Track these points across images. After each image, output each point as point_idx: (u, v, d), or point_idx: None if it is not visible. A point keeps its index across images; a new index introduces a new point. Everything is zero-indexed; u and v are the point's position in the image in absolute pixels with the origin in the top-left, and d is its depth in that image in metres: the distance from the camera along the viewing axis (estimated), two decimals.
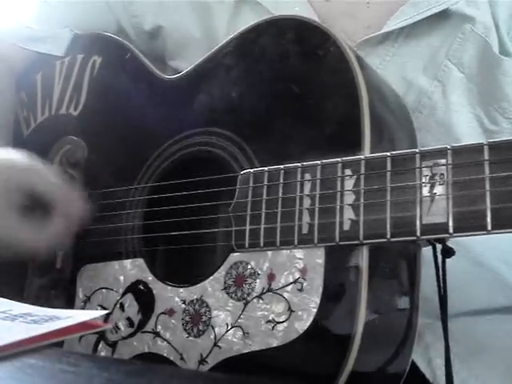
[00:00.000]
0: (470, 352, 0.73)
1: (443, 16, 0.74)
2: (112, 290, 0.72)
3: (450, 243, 0.59)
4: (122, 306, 0.70)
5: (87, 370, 0.45)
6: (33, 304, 0.56)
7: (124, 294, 0.71)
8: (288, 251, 0.60)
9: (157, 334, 0.66)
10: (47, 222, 0.70)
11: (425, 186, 0.53)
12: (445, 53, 0.74)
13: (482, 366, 0.73)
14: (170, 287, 0.67)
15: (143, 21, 0.86)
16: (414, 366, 0.71)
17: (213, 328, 0.62)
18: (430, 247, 0.61)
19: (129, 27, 0.87)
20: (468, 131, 0.75)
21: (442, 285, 0.61)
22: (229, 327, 0.61)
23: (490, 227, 0.50)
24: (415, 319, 0.63)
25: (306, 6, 0.77)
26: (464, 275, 0.71)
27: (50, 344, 0.47)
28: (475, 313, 0.75)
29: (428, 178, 0.53)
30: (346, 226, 0.56)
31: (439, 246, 0.60)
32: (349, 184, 0.57)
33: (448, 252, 0.60)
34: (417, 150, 0.55)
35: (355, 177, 0.57)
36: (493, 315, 0.76)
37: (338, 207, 0.57)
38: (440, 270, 0.61)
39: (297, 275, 0.59)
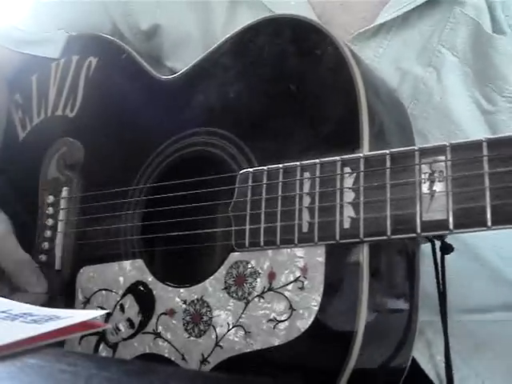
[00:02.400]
0: (470, 349, 0.73)
1: (433, 2, 0.74)
2: (112, 291, 0.72)
3: (450, 239, 0.60)
4: (122, 307, 0.70)
5: (86, 369, 0.45)
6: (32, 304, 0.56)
7: (124, 295, 0.70)
8: (288, 250, 0.60)
9: (158, 335, 0.66)
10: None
11: (424, 182, 0.54)
12: (437, 38, 0.74)
13: (483, 364, 0.73)
14: (170, 287, 0.67)
15: (139, 20, 0.86)
16: (415, 363, 0.71)
17: (214, 328, 0.62)
18: (429, 244, 0.61)
19: (125, 27, 0.87)
20: (466, 114, 0.75)
21: (441, 281, 0.62)
22: (230, 327, 0.61)
23: (489, 223, 0.50)
24: (415, 315, 0.63)
25: (302, 0, 0.77)
26: (464, 273, 0.71)
27: (50, 344, 0.47)
28: (476, 310, 0.75)
29: (427, 174, 0.53)
30: (347, 224, 0.57)
31: (438, 243, 0.61)
32: (348, 182, 0.57)
33: (447, 248, 0.61)
34: (416, 148, 0.55)
35: (355, 175, 0.57)
36: (493, 313, 0.76)
37: (338, 205, 0.57)
38: (439, 266, 0.61)
39: (297, 274, 0.59)
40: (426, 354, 0.74)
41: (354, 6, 0.77)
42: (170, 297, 0.67)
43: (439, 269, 0.62)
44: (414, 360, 0.69)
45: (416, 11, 0.74)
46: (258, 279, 0.61)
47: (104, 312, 0.70)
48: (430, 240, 0.60)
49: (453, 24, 0.74)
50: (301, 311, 0.58)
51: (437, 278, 0.62)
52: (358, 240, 0.56)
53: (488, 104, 0.75)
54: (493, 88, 0.74)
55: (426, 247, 0.62)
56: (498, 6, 0.74)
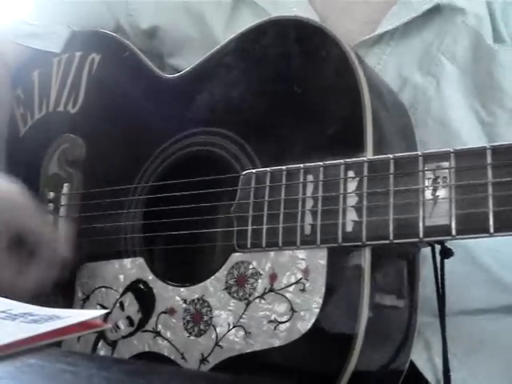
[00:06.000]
0: (468, 351, 0.73)
1: (435, 11, 0.74)
2: (112, 288, 0.72)
3: (448, 244, 0.60)
4: (121, 305, 0.70)
5: (86, 369, 0.45)
6: (31, 302, 0.56)
7: (124, 292, 0.71)
8: (290, 252, 0.60)
9: (157, 333, 0.67)
10: (29, 264, 0.71)
11: (428, 188, 0.54)
12: (437, 47, 0.74)
13: (481, 365, 0.74)
14: (170, 286, 0.67)
15: (140, 20, 0.86)
16: (412, 364, 0.72)
17: (214, 327, 0.63)
18: (429, 247, 0.61)
19: (126, 25, 0.87)
20: (465, 125, 0.75)
21: (440, 285, 0.62)
22: (230, 327, 0.62)
23: (492, 230, 0.51)
24: (414, 318, 0.64)
25: (305, 5, 0.77)
26: (462, 276, 0.72)
27: (50, 344, 0.47)
28: (473, 312, 0.76)
29: (431, 180, 0.54)
30: (349, 228, 0.57)
31: (438, 247, 0.61)
32: (351, 186, 0.58)
33: (447, 253, 0.61)
34: (420, 153, 0.55)
35: (358, 179, 0.57)
36: (491, 315, 0.77)
37: (341, 209, 0.57)
38: (439, 270, 0.62)
39: (299, 276, 0.59)
40: (424, 356, 0.74)
41: (358, 11, 0.77)
42: (171, 296, 0.67)
43: (439, 272, 0.62)
44: (411, 362, 0.69)
45: (418, 20, 0.74)
46: (260, 280, 0.61)
47: (104, 312, 0.70)
48: (430, 244, 0.61)
49: (454, 33, 0.74)
50: (302, 313, 0.58)
51: (436, 281, 0.62)
52: (360, 243, 0.56)
53: (487, 115, 0.75)
54: (493, 100, 0.74)
55: (425, 250, 0.63)
56: (499, 14, 0.74)
